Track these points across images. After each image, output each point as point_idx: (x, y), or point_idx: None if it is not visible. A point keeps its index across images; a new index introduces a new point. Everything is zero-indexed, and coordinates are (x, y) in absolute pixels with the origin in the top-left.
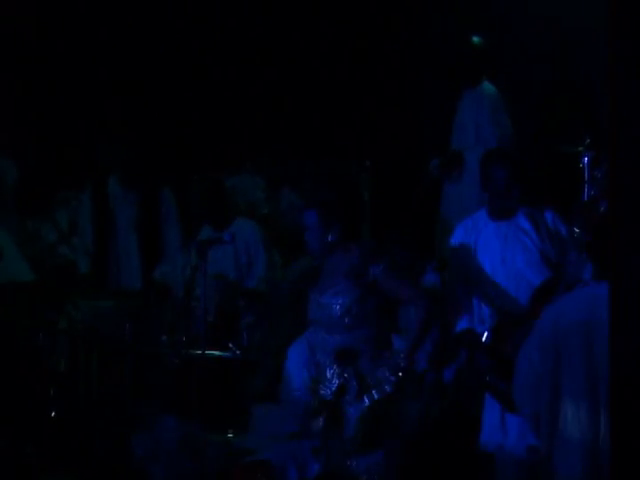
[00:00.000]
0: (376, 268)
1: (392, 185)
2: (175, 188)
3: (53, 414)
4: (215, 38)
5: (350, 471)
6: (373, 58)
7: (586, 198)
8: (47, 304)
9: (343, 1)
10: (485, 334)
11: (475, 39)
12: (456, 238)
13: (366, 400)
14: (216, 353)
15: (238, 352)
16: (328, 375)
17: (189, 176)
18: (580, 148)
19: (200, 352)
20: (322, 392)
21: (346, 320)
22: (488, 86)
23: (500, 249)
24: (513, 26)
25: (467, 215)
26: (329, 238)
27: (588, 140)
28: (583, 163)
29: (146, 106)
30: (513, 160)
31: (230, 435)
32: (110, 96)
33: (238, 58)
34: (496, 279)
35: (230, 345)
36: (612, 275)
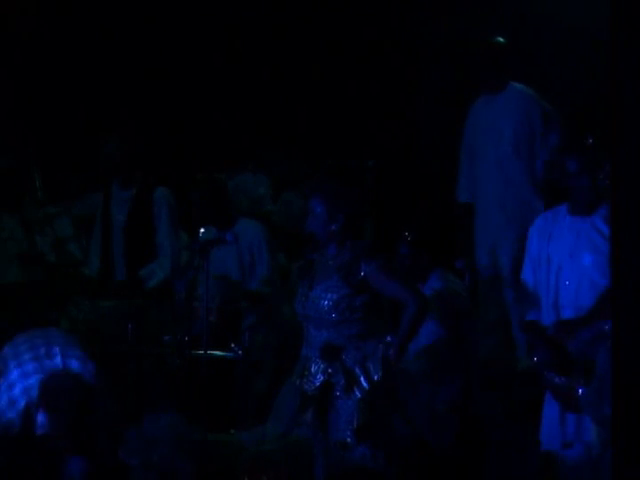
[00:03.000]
0: (367, 266)
1: (395, 185)
2: (176, 188)
3: None
4: (218, 37)
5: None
6: (376, 57)
7: None
8: (48, 303)
9: (347, 0)
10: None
11: (499, 39)
12: (534, 228)
13: (357, 393)
14: (218, 353)
15: (240, 352)
16: (313, 370)
17: (191, 176)
18: None
19: (202, 352)
20: (306, 387)
21: (334, 316)
22: (518, 87)
23: (570, 243)
24: (513, 25)
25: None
26: (332, 227)
27: (590, 140)
28: None
29: (147, 105)
30: (584, 150)
31: (232, 435)
32: (111, 96)
33: (240, 57)
34: (562, 272)
35: (232, 345)
36: (612, 275)
